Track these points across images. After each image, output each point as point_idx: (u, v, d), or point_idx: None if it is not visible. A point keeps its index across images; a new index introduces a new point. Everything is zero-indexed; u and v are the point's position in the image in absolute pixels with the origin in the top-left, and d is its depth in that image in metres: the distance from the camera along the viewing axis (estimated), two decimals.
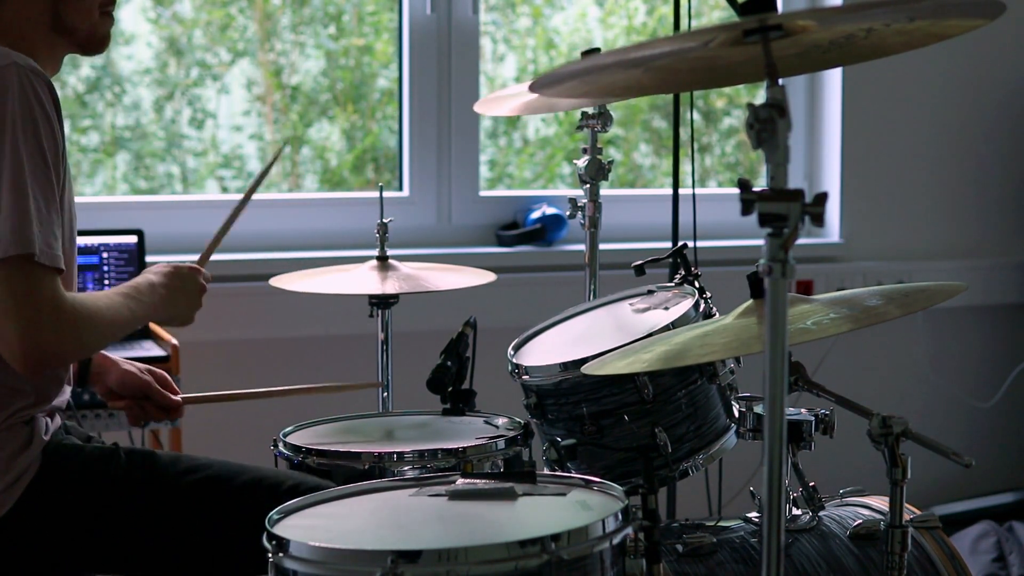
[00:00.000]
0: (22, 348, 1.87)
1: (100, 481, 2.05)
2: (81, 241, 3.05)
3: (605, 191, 2.71)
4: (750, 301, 1.95)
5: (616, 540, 1.62)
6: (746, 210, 1.45)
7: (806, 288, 3.81)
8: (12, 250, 1.86)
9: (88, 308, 1.94)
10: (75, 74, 3.60)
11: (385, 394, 2.70)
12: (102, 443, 2.18)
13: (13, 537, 2.00)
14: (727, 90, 4.19)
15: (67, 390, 2.14)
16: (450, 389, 2.38)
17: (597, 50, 2.54)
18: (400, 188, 3.72)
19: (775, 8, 1.54)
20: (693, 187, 3.10)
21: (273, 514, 1.73)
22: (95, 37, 2.13)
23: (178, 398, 2.29)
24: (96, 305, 1.96)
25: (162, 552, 2.06)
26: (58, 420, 2.11)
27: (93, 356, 2.25)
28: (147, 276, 2.12)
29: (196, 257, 2.28)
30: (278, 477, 2.10)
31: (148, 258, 3.14)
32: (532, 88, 1.71)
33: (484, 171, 3.89)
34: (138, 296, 2.06)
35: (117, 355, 2.34)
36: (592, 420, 2.14)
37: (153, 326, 3.03)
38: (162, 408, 2.28)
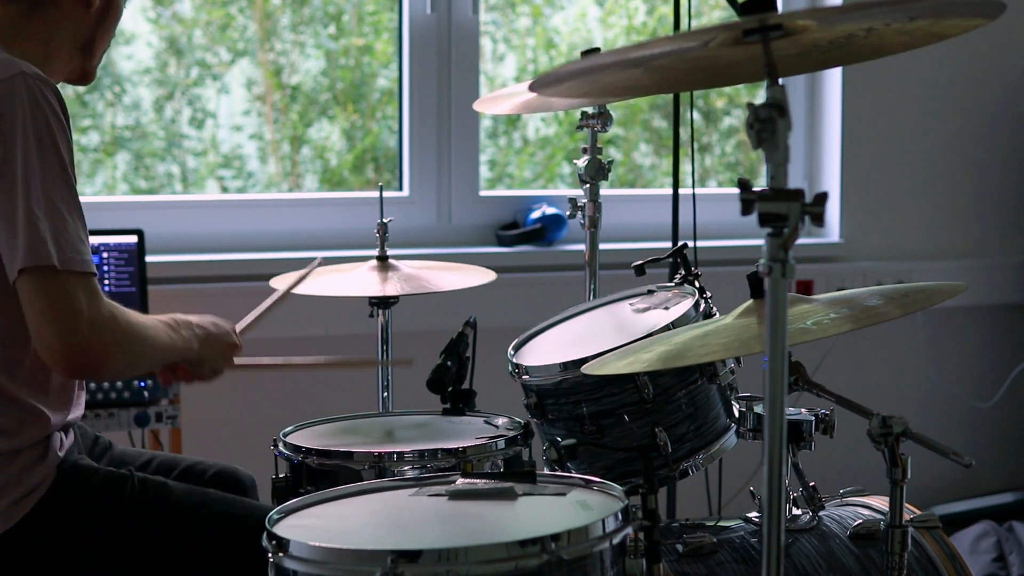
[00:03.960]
0: (62, 350, 1.87)
1: (110, 506, 2.04)
2: None
3: (605, 191, 2.71)
4: (750, 301, 1.95)
5: (616, 540, 1.62)
6: (746, 210, 1.45)
7: (806, 288, 3.81)
8: (31, 261, 1.87)
9: (127, 316, 1.94)
10: None
11: (385, 394, 2.70)
12: (114, 466, 2.18)
13: (18, 550, 1.99)
14: (727, 90, 4.18)
15: (82, 403, 2.14)
16: (450, 389, 2.38)
17: (597, 50, 2.54)
18: (400, 188, 3.72)
19: (775, 8, 1.54)
20: (693, 187, 3.10)
21: (273, 514, 1.73)
22: (94, 70, 2.19)
23: None
24: (137, 318, 1.97)
25: None
26: (72, 436, 2.11)
27: None
28: (186, 316, 2.13)
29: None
30: None
31: (148, 258, 3.14)
32: (532, 88, 1.71)
33: (484, 171, 3.89)
34: (176, 327, 2.06)
35: None
36: (592, 420, 2.14)
37: None
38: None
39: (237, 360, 2.23)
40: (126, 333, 1.93)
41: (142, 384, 2.94)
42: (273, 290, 2.67)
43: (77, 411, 2.12)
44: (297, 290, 2.64)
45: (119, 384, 2.93)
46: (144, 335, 1.98)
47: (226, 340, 2.17)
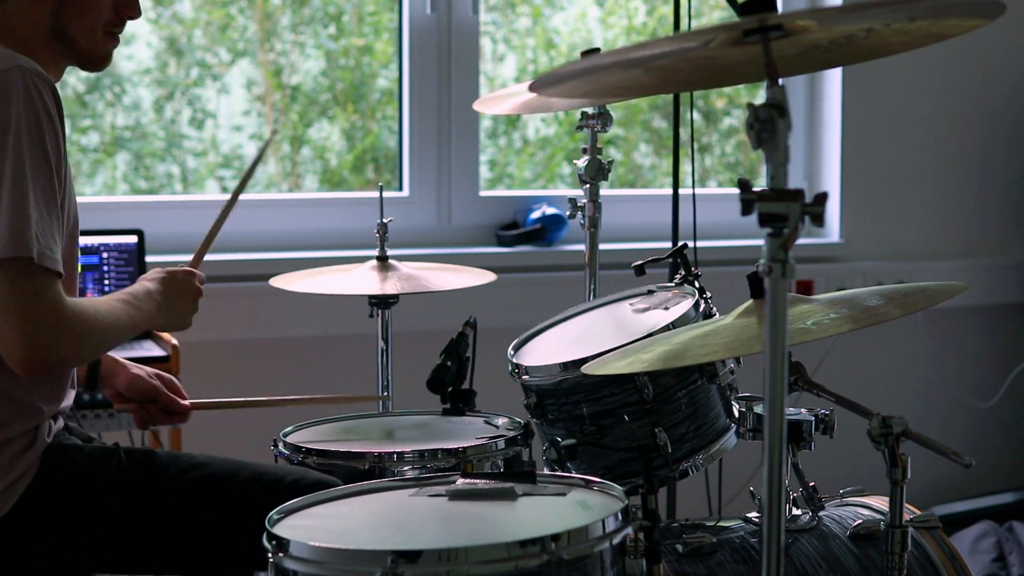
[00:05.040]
0: (23, 350, 1.87)
1: (100, 480, 2.05)
2: (81, 241, 3.02)
3: (605, 191, 2.71)
4: (750, 301, 1.95)
5: (616, 540, 1.62)
6: (746, 210, 1.45)
7: (806, 288, 3.81)
8: (11, 252, 1.86)
9: (88, 312, 1.94)
10: (75, 74, 3.60)
11: (385, 394, 2.70)
12: (103, 443, 2.19)
13: (14, 536, 2.00)
14: (727, 90, 4.18)
15: (71, 394, 2.14)
16: (450, 389, 2.38)
17: (597, 50, 2.54)
18: (400, 188, 3.72)
19: (775, 8, 1.54)
20: (693, 187, 3.10)
21: (273, 514, 1.73)
22: (94, 55, 2.14)
23: (186, 403, 2.29)
24: (96, 310, 1.97)
25: (163, 550, 2.06)
26: (60, 421, 2.12)
27: (102, 359, 2.25)
28: (143, 283, 2.13)
29: (189, 258, 2.28)
30: (278, 473, 2.10)
31: (148, 258, 3.14)
32: (532, 88, 1.71)
33: (484, 171, 3.89)
34: (136, 303, 2.07)
35: (121, 355, 2.34)
36: (592, 420, 2.14)
37: None
38: (168, 412, 2.28)
39: (210, 400, 2.35)
40: (86, 332, 1.93)
41: None
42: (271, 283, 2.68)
43: (67, 401, 2.12)
44: (297, 289, 2.65)
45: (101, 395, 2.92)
46: (103, 326, 1.97)
47: (186, 294, 2.18)
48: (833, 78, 3.96)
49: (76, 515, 2.02)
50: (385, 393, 2.69)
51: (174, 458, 2.13)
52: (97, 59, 2.15)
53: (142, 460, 2.10)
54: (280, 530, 1.67)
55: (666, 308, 2.29)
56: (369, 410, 2.67)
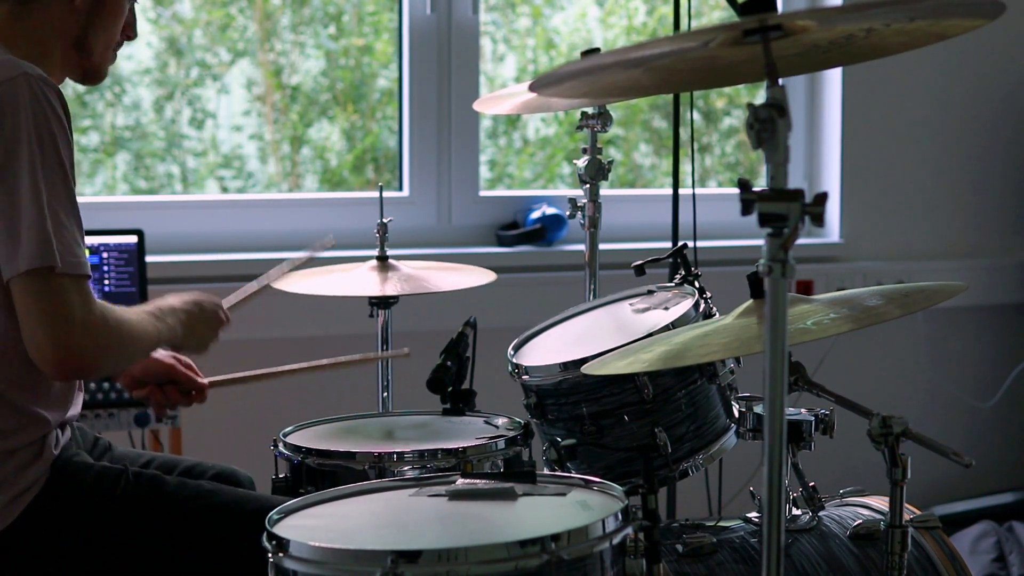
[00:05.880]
0: (53, 354, 1.88)
1: (106, 500, 2.05)
2: None
3: (605, 191, 2.71)
4: (750, 301, 1.95)
5: (616, 540, 1.62)
6: (746, 210, 1.45)
7: (806, 288, 3.81)
8: (36, 263, 1.87)
9: (117, 316, 1.96)
10: None
11: (385, 394, 2.70)
12: (112, 463, 2.18)
13: (16, 548, 1.99)
14: (727, 90, 4.18)
15: (79, 402, 2.14)
16: (450, 389, 2.38)
17: (597, 50, 2.54)
18: (400, 188, 3.72)
19: (775, 8, 1.54)
20: (693, 187, 3.10)
21: (273, 514, 1.73)
22: (100, 69, 2.18)
23: (203, 381, 2.30)
24: (125, 315, 1.99)
25: (162, 574, 2.06)
26: (68, 433, 2.11)
27: None
28: (169, 300, 2.14)
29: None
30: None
31: (148, 258, 3.14)
32: (532, 88, 1.71)
33: (484, 171, 3.89)
34: (161, 316, 2.09)
35: None
36: (592, 420, 2.14)
37: None
38: (185, 392, 2.29)
39: (228, 375, 2.32)
40: (116, 334, 1.95)
41: None
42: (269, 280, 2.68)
43: (75, 409, 2.12)
44: (297, 290, 2.65)
45: (119, 384, 2.92)
46: (132, 333, 1.99)
47: (209, 321, 2.20)
48: (833, 78, 3.96)
49: (79, 532, 2.02)
50: (405, 349, 2.64)
51: (181, 484, 2.12)
52: (101, 74, 2.19)
53: (149, 484, 2.09)
54: (280, 530, 1.67)
55: (666, 308, 2.29)
56: (367, 401, 2.67)
